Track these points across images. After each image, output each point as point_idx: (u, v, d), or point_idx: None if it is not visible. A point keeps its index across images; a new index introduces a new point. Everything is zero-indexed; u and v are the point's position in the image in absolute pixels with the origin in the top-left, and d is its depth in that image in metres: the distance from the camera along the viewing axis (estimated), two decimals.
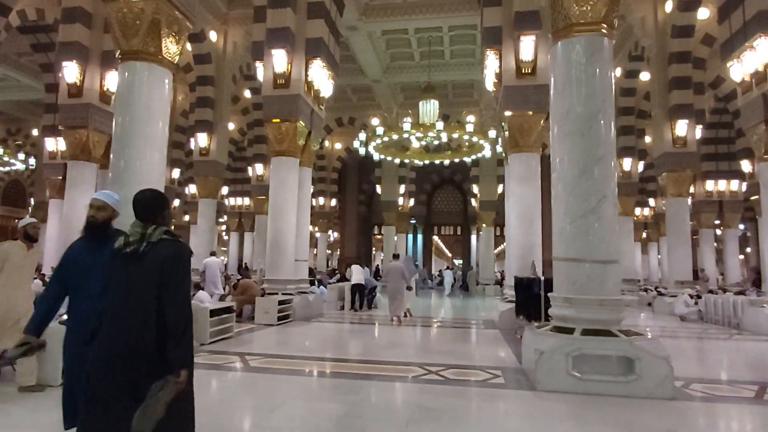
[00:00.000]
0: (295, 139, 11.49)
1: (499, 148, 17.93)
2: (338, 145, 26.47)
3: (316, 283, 15.49)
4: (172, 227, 2.56)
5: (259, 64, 12.05)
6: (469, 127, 16.08)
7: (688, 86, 14.95)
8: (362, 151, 18.23)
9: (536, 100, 10.70)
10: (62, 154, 15.24)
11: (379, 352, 7.53)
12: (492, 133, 16.50)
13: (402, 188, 24.27)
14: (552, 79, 6.20)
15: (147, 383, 2.11)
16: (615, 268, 5.61)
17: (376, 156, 19.17)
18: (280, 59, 11.29)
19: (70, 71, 12.13)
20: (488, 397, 4.97)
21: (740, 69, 11.23)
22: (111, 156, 6.96)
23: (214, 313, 7.71)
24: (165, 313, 2.22)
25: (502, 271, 34.19)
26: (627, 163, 18.53)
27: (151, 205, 2.42)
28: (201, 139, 16.59)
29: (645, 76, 17.72)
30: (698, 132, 15.46)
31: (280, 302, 10.16)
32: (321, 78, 12.15)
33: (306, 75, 11.67)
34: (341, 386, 5.22)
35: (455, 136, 16.68)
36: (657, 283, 23.93)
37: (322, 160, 26.24)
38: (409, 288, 12.10)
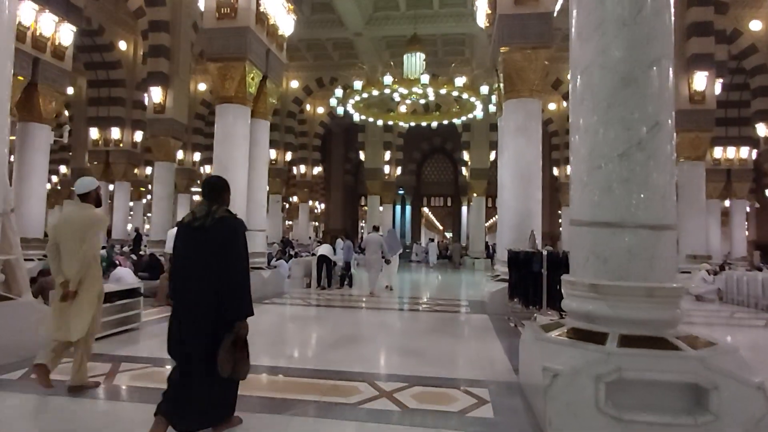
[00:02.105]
0: (244, 83, 9.14)
1: (492, 108, 15.68)
2: (320, 109, 23.93)
3: (286, 257, 13.37)
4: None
5: None
6: (459, 82, 13.75)
7: (708, 33, 12.61)
8: (340, 110, 15.91)
9: (538, 32, 8.38)
10: None
11: (323, 353, 5.38)
12: (484, 89, 14.17)
13: (387, 155, 21.85)
14: None
15: (218, 321, 2.73)
16: (671, 237, 3.43)
17: (356, 117, 16.83)
18: None
19: None
20: None
21: None
22: None
23: (108, 297, 5.50)
24: (225, 274, 2.72)
25: (494, 244, 32.24)
26: None
27: (215, 188, 2.93)
28: (155, 94, 14.14)
29: None
30: (718, 87, 13.19)
31: None
32: (278, 10, 9.74)
33: (258, 4, 9.25)
34: None
35: (443, 92, 14.36)
36: None
37: (303, 125, 23.76)
38: (387, 261, 10.92)
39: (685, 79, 12.69)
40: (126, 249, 14.30)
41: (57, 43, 10.59)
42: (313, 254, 12.91)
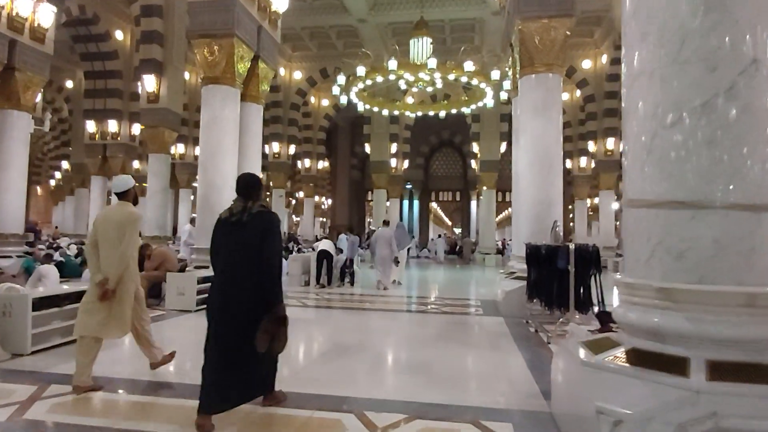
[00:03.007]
0: (232, 62, 8.18)
1: (504, 95, 14.64)
2: (325, 102, 22.96)
3: (285, 253, 12.44)
4: None
5: None
6: (469, 66, 12.71)
7: None
8: (344, 99, 14.94)
9: (559, 0, 7.34)
10: None
11: (308, 369, 4.41)
12: (495, 75, 13.14)
13: (394, 147, 20.77)
14: None
15: (256, 311, 2.82)
16: None
17: (360, 107, 15.81)
18: None
19: None
20: None
21: None
22: None
23: (45, 303, 4.58)
24: (261, 265, 2.85)
25: (503, 239, 31.13)
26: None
27: (249, 185, 3.04)
28: (148, 83, 13.25)
29: None
30: None
31: (203, 279, 7.06)
32: None
33: None
34: None
35: (452, 77, 13.35)
36: None
37: (307, 118, 22.79)
38: (396, 262, 10.63)
39: None
40: None
41: (36, 25, 9.72)
42: (313, 249, 12.00)
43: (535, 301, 6.34)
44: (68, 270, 9.27)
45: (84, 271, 8.34)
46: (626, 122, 2.77)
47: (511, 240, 30.40)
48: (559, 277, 5.55)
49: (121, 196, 3.73)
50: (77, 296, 4.97)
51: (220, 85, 8.20)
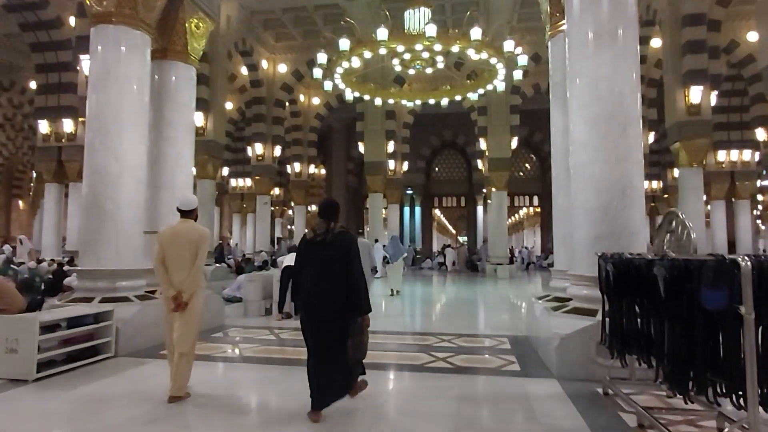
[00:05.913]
0: None
1: (517, 74, 11.74)
2: (316, 100, 20.07)
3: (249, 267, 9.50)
4: None
5: None
6: (476, 33, 9.91)
7: (702, 50, 11.89)
8: (327, 85, 12.09)
9: None
10: None
11: None
12: (509, 45, 10.33)
13: (391, 146, 17.75)
14: None
15: (341, 322, 3.17)
16: None
17: (349, 94, 12.89)
18: None
19: None
20: None
21: None
22: None
23: None
24: (347, 280, 3.18)
25: (511, 247, 27.90)
26: None
27: (330, 209, 3.35)
28: (86, 65, 10.42)
29: (656, 43, 13.95)
30: (713, 98, 12.53)
31: (70, 322, 4.09)
32: None
33: None
34: None
35: (455, 50, 10.52)
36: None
37: (296, 117, 19.91)
38: (374, 271, 9.98)
39: (681, 93, 11.87)
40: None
41: None
42: (275, 266, 9.11)
43: (623, 357, 3.32)
44: None
45: None
46: None
47: (523, 248, 27.08)
48: (707, 325, 2.52)
49: (187, 213, 3.75)
50: None
51: (114, 25, 5.29)
